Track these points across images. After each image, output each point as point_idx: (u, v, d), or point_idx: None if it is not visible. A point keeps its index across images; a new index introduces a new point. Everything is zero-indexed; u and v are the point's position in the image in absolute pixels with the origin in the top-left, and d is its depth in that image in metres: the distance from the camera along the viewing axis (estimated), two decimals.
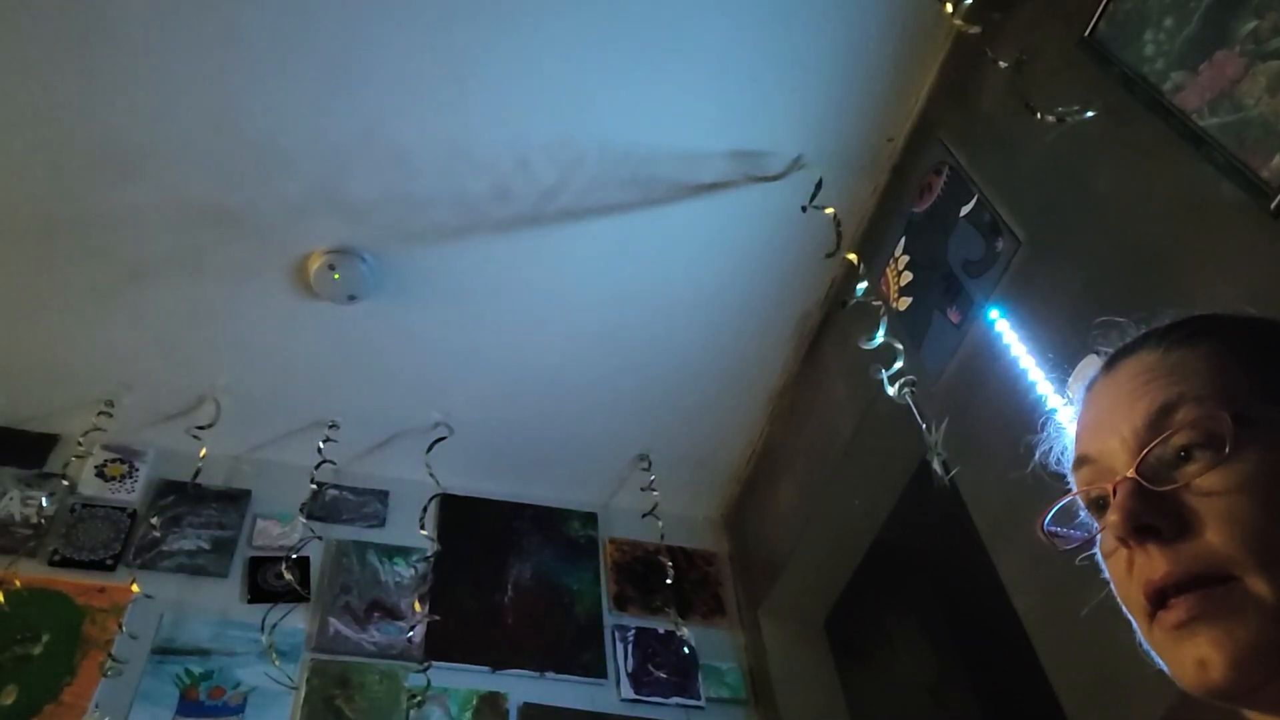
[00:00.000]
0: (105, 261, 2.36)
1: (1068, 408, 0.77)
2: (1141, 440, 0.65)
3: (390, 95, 2.12)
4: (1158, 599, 0.62)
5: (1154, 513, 0.62)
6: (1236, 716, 0.63)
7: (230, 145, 2.16)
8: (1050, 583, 1.53)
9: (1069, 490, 0.72)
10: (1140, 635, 0.65)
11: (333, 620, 2.50)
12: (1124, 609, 0.67)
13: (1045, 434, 0.81)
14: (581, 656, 2.62)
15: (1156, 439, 0.64)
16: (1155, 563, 0.62)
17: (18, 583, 2.27)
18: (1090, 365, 0.75)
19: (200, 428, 2.56)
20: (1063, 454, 0.76)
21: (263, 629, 2.35)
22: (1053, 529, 0.72)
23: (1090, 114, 1.60)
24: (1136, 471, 0.64)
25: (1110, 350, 0.73)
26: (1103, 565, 0.69)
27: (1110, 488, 0.65)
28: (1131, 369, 0.69)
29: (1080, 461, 0.71)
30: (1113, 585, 0.68)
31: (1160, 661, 0.64)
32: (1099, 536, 0.68)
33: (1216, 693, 0.59)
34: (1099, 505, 0.68)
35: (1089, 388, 0.74)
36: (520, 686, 2.50)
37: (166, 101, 2.09)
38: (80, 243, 2.32)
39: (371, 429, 2.77)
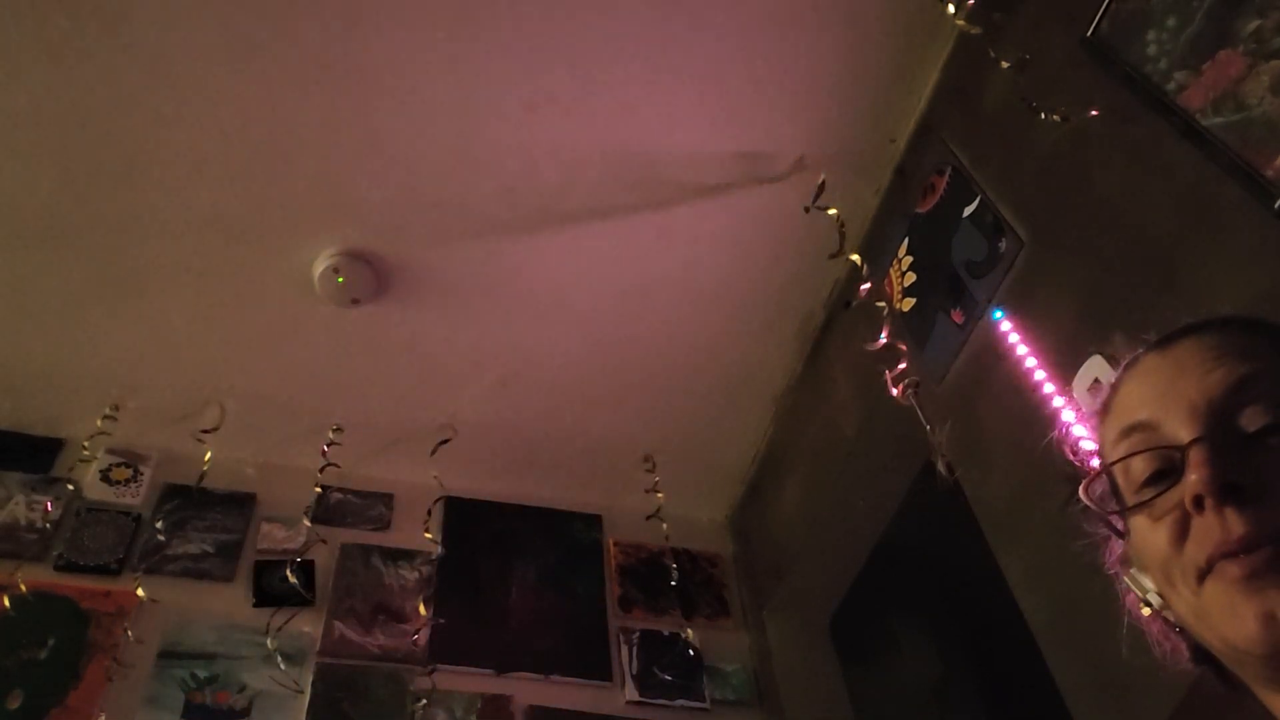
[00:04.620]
0: (110, 265, 2.37)
1: (1082, 401, 0.77)
2: (1219, 407, 0.65)
3: (395, 100, 2.12)
4: (1228, 559, 0.62)
5: (1240, 471, 0.62)
6: (1246, 715, 0.63)
7: (236, 150, 2.17)
8: (1055, 582, 1.53)
9: (1115, 461, 0.71)
10: (1178, 603, 0.65)
11: (338, 624, 2.50)
12: (1138, 586, 0.68)
13: (1063, 426, 0.81)
14: (586, 659, 2.62)
15: (1241, 406, 0.64)
16: (1230, 524, 0.61)
17: (23, 587, 2.27)
18: (1095, 364, 0.76)
19: (205, 431, 2.56)
20: (1078, 443, 0.76)
21: (268, 633, 2.35)
22: (1092, 499, 0.72)
23: (1093, 114, 1.60)
24: (1215, 431, 0.64)
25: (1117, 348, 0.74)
26: (1110, 560, 0.69)
27: (1185, 446, 0.65)
28: (1196, 344, 0.70)
29: (1133, 429, 0.70)
30: (1147, 556, 0.68)
31: (1196, 629, 0.64)
32: (1129, 509, 0.69)
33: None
34: (1157, 476, 0.67)
35: (1130, 366, 0.74)
36: (525, 689, 2.50)
37: (173, 106, 2.10)
38: (86, 246, 2.33)
39: (376, 432, 2.77)
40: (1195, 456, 0.64)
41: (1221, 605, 0.62)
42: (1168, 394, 0.68)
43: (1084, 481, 0.72)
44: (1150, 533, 0.67)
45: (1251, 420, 0.64)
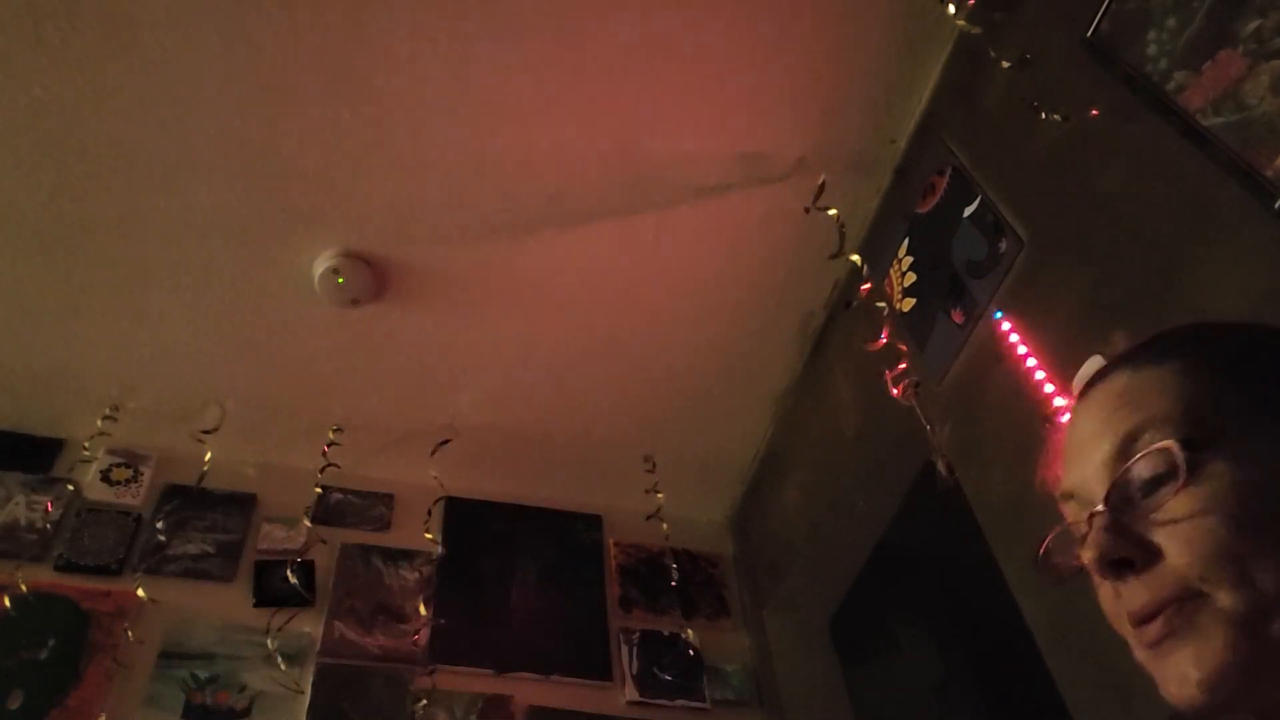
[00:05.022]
0: (110, 265, 2.37)
1: (1066, 419, 0.77)
2: (1110, 471, 0.66)
3: (395, 100, 2.12)
4: (1140, 624, 0.63)
5: (1124, 546, 0.63)
6: (1244, 716, 0.63)
7: (236, 150, 2.17)
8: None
9: (1061, 518, 0.73)
10: (1136, 657, 0.66)
11: (338, 624, 2.50)
12: (1120, 633, 0.68)
13: (1042, 460, 0.81)
14: (587, 659, 2.62)
15: (1121, 470, 0.65)
16: (1135, 593, 0.63)
17: (23, 587, 2.27)
18: (1094, 365, 0.76)
19: (205, 432, 2.56)
20: (1055, 482, 0.77)
21: (268, 633, 2.35)
22: (1055, 560, 0.73)
23: (1093, 114, 1.60)
24: (1106, 504, 0.65)
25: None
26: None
27: (1087, 521, 0.66)
28: (1102, 395, 0.70)
29: (1065, 495, 0.72)
30: (1104, 611, 0.69)
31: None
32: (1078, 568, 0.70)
33: (1198, 707, 0.60)
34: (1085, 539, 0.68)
35: (1072, 413, 0.74)
36: (526, 689, 2.50)
37: (172, 107, 2.09)
38: (86, 246, 2.33)
39: (376, 432, 2.77)
40: (1090, 533, 0.65)
41: (1149, 665, 0.64)
42: (1081, 457, 0.70)
43: (1042, 544, 0.73)
44: (1100, 588, 0.68)
45: (1143, 470, 0.64)
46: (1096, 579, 0.67)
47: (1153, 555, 0.62)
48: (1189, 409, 0.64)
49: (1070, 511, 0.71)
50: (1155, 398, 0.66)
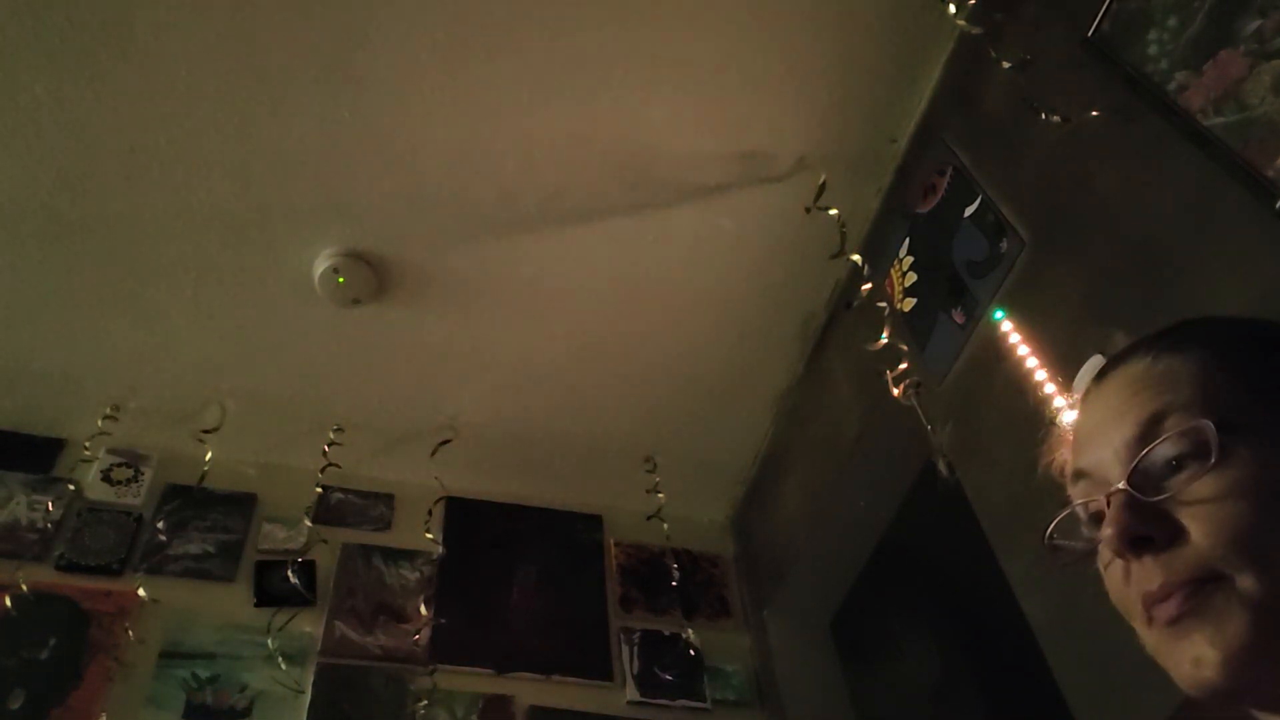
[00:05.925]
0: (111, 265, 2.37)
1: (1069, 415, 0.77)
2: (1132, 452, 0.66)
3: (395, 100, 2.12)
4: (1154, 606, 0.63)
5: (1146, 524, 0.63)
6: (1245, 715, 0.63)
7: (236, 150, 2.17)
8: (1057, 584, 1.53)
9: (1069, 502, 0.73)
10: (1143, 642, 0.66)
11: (339, 624, 2.50)
12: (1126, 617, 0.68)
13: (1047, 444, 0.81)
14: (587, 659, 2.62)
15: (1146, 450, 0.64)
16: (1150, 574, 0.63)
17: (24, 587, 2.28)
18: (1095, 365, 0.76)
19: (206, 431, 2.57)
20: (1064, 465, 0.77)
21: (269, 633, 2.35)
22: (1059, 543, 0.73)
23: (1094, 114, 1.59)
24: (1128, 483, 0.65)
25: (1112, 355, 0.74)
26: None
27: (1104, 500, 0.66)
28: (1121, 379, 0.70)
29: (1077, 475, 0.72)
30: (1111, 594, 0.68)
31: (1157, 662, 0.64)
32: (1099, 548, 0.69)
33: (1214, 690, 0.59)
34: (1097, 519, 0.68)
35: (1084, 398, 0.74)
36: (526, 689, 2.51)
37: (172, 105, 2.10)
38: (86, 246, 2.33)
39: (376, 432, 2.77)
40: (1110, 511, 0.65)
41: (1161, 647, 0.63)
42: (1097, 439, 0.70)
43: (1051, 524, 0.74)
44: (1107, 570, 0.68)
45: (1168, 450, 0.64)
46: (1107, 558, 0.67)
47: (1175, 535, 0.62)
48: (1216, 395, 0.64)
49: (1080, 492, 0.71)
50: (1179, 383, 0.66)
